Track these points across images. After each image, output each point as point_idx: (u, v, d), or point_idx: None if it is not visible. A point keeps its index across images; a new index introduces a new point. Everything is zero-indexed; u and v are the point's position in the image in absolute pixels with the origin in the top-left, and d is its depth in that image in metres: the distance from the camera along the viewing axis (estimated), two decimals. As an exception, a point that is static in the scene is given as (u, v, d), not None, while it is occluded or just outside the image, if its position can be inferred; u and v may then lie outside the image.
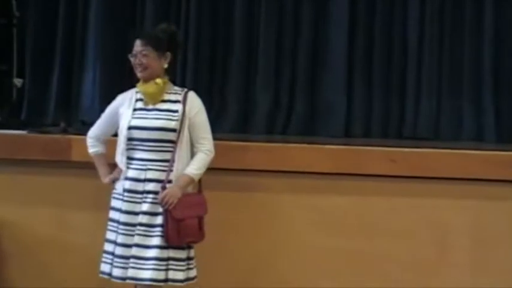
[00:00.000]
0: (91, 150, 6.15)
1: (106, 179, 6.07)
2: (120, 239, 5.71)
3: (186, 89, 5.90)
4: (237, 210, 7.06)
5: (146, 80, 5.81)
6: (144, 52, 5.75)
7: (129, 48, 8.00)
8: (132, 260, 5.69)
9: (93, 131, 6.15)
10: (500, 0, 8.61)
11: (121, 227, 5.73)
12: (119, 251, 5.73)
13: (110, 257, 5.78)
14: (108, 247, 5.81)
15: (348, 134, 8.35)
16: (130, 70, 6.55)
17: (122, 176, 5.82)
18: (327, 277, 6.96)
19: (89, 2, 8.86)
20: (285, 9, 8.61)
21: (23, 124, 7.86)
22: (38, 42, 8.87)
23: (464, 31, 8.62)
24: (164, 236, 5.69)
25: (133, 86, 6.38)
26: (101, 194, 6.65)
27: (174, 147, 5.79)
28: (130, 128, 5.73)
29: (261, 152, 7.12)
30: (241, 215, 7.04)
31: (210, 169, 6.36)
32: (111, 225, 5.81)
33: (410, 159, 6.96)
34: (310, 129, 8.39)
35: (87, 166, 6.72)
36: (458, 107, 8.47)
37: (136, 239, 5.69)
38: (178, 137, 5.78)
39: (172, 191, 5.71)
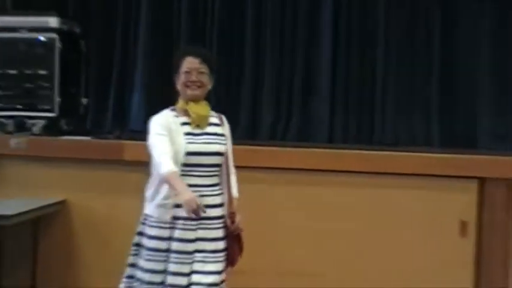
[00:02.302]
0: (170, 168, 4.68)
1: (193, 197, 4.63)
2: (174, 268, 4.74)
3: (216, 112, 5.06)
4: (245, 199, 7.19)
5: (196, 101, 4.86)
6: (201, 70, 4.82)
7: (168, 69, 8.53)
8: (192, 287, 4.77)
9: (168, 150, 4.74)
10: (448, 28, 8.48)
11: (174, 255, 4.74)
12: (172, 280, 4.73)
13: (155, 287, 4.77)
14: (156, 278, 4.76)
15: (330, 141, 8.34)
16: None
17: (168, 203, 4.78)
18: (311, 252, 7.03)
19: (137, 42, 8.83)
20: (285, 45, 8.55)
21: (88, 132, 7.99)
22: (99, 71, 8.90)
23: (415, 59, 8.50)
24: (231, 260, 4.96)
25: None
26: (143, 184, 6.38)
27: (220, 171, 4.93)
28: (188, 153, 4.74)
29: (265, 154, 7.24)
30: (247, 202, 7.18)
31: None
32: (157, 255, 4.77)
33: (379, 159, 7.19)
34: (303, 137, 8.37)
35: (135, 164, 6.96)
36: (412, 119, 8.46)
37: (197, 266, 4.77)
38: (225, 160, 4.97)
39: (240, 218, 5.01)
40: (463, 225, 6.91)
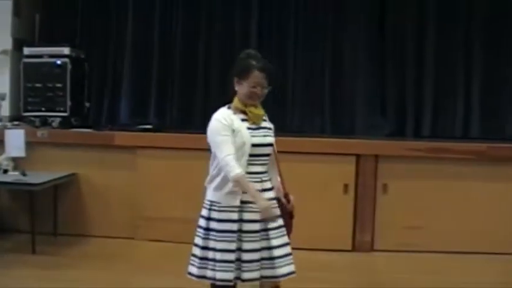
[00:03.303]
0: (238, 170, 4.15)
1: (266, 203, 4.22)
2: (248, 246, 4.23)
3: None
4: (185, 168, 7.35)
5: (254, 106, 4.29)
6: (264, 85, 4.26)
7: (141, 85, 8.88)
8: (273, 261, 4.29)
9: (233, 151, 4.18)
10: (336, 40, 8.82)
11: (245, 235, 4.23)
12: (247, 256, 4.23)
13: (233, 264, 4.20)
14: (229, 256, 4.20)
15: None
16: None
17: (238, 191, 4.21)
18: None
19: (123, 64, 9.10)
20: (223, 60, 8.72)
21: (90, 126, 8.26)
22: (97, 84, 9.11)
23: (313, 69, 8.84)
24: (288, 233, 4.42)
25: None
26: (129, 162, 7.56)
27: (268, 160, 4.41)
28: (253, 145, 4.23)
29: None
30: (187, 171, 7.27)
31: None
32: (228, 236, 4.21)
33: (290, 142, 7.32)
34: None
35: (122, 147, 7.64)
36: (312, 113, 8.84)
37: (275, 242, 4.30)
38: (274, 151, 4.49)
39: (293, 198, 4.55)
40: (346, 187, 7.43)
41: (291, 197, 4.52)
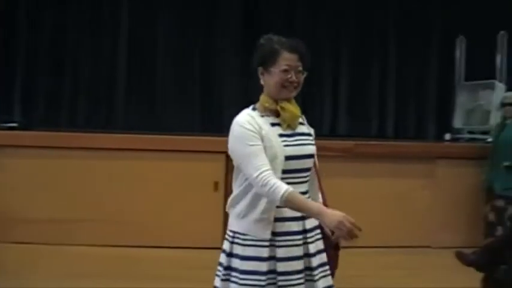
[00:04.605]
0: (286, 188, 3.20)
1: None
2: None
3: None
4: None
5: (288, 99, 3.41)
6: (299, 68, 3.40)
7: (6, 81, 8.79)
8: None
9: (269, 166, 3.25)
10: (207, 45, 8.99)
11: (281, 278, 3.33)
12: None
13: None
14: None
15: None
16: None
17: (268, 218, 3.32)
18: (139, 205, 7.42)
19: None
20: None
21: None
22: None
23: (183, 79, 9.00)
24: (333, 271, 3.56)
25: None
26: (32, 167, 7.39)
27: (309, 176, 3.51)
28: (288, 158, 3.34)
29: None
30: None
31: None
32: (253, 280, 3.31)
33: (159, 140, 7.56)
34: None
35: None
36: (177, 112, 8.92)
37: (322, 283, 3.42)
38: (314, 163, 3.55)
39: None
40: (216, 184, 7.50)
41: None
